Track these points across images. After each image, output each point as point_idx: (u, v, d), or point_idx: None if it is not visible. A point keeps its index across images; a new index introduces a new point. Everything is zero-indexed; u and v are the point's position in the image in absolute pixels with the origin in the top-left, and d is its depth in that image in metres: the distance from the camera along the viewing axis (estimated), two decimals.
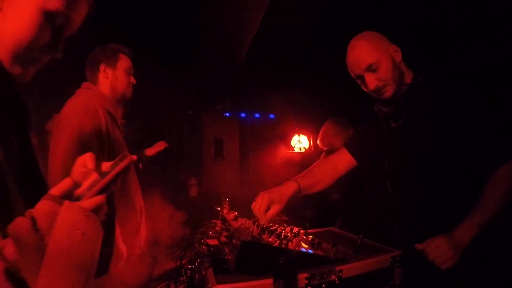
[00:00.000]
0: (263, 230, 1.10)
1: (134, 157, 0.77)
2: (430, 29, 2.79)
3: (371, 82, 1.33)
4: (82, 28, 0.82)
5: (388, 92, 1.34)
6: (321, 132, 2.70)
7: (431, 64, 3.02)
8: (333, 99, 4.00)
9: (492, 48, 2.89)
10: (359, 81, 1.42)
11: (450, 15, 2.56)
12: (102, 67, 1.81)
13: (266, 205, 1.34)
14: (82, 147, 1.51)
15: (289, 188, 1.46)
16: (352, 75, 1.42)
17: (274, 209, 1.35)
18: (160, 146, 2.59)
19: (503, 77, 2.76)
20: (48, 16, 0.72)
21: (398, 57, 1.37)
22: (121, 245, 1.67)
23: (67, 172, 0.74)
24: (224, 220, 1.31)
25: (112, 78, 1.83)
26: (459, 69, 3.16)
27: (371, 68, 1.32)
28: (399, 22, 2.50)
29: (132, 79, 1.91)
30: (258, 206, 1.32)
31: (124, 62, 1.87)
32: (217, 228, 1.26)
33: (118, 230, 1.67)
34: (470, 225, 1.19)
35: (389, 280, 1.04)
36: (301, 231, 1.21)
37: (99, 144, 1.62)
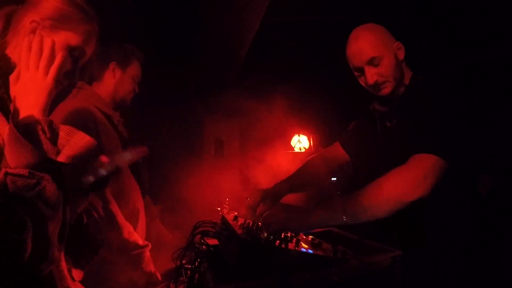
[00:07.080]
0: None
1: None
2: (431, 28, 2.78)
3: (371, 76, 1.28)
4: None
5: (387, 89, 1.30)
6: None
7: (435, 63, 3.01)
8: (333, 99, 4.00)
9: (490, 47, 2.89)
10: (357, 74, 1.37)
11: (454, 13, 2.55)
12: (112, 65, 1.74)
13: (257, 201, 1.35)
14: None
15: (280, 188, 1.48)
16: (351, 66, 1.37)
17: (265, 206, 1.35)
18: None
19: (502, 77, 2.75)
20: (71, 50, 0.97)
21: (401, 54, 1.32)
22: (129, 236, 1.52)
23: None
24: (224, 220, 1.31)
25: (118, 80, 1.76)
26: (461, 68, 3.15)
27: (373, 62, 1.28)
28: (401, 22, 2.50)
29: (136, 88, 1.85)
30: (249, 202, 1.35)
31: (134, 68, 1.81)
32: (217, 228, 1.26)
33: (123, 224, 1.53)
34: (337, 209, 1.11)
35: (389, 280, 1.04)
36: None
37: None
